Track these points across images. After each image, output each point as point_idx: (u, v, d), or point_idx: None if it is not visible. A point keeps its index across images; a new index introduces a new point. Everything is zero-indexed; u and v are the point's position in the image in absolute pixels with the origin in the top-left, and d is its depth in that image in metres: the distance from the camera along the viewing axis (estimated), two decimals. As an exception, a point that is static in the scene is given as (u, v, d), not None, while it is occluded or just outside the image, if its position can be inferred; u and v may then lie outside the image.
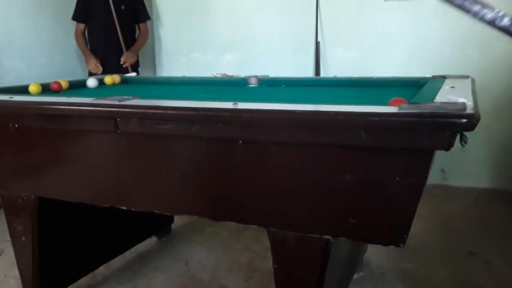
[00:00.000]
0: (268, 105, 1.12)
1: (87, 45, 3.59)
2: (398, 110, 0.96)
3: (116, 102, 1.27)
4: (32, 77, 2.41)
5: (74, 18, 3.55)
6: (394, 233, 1.09)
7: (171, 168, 1.32)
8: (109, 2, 3.45)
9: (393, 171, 1.03)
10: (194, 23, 3.94)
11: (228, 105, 1.14)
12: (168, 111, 1.21)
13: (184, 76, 2.64)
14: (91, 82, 2.10)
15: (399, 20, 3.30)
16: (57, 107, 1.37)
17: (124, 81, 2.36)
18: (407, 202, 1.04)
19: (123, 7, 3.52)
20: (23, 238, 1.72)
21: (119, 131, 1.28)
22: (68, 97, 1.45)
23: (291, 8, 3.56)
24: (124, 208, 1.44)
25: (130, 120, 1.26)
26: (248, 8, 3.76)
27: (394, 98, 1.11)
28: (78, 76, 2.33)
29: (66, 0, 3.58)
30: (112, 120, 1.27)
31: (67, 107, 1.35)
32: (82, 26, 3.57)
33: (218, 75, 3.32)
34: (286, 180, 1.15)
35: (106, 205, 1.47)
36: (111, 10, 3.46)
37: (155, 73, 4.18)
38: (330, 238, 1.15)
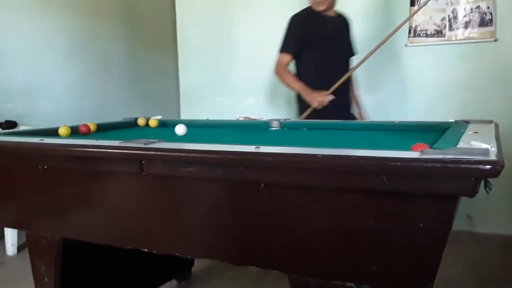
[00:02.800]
0: (290, 149, 1.13)
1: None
2: (421, 156, 0.96)
3: (142, 145, 1.31)
4: (60, 120, 2.50)
5: (286, 51, 2.88)
6: (419, 281, 1.06)
7: (193, 210, 1.33)
8: (340, 33, 2.96)
9: (417, 217, 1.01)
10: (218, 68, 4.06)
11: (251, 148, 1.16)
12: (191, 154, 1.24)
13: (207, 119, 2.69)
14: (181, 130, 1.89)
15: (420, 64, 3.33)
16: (85, 149, 1.41)
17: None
18: (431, 249, 1.02)
19: (348, 40, 3.00)
20: (46, 279, 1.73)
21: (144, 173, 1.31)
22: (96, 139, 1.49)
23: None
24: (146, 250, 1.45)
25: (155, 162, 1.29)
26: (269, 53, 3.85)
27: (416, 143, 1.12)
28: (104, 119, 2.41)
29: (94, 47, 3.72)
30: (137, 162, 1.30)
31: (94, 149, 1.39)
32: (289, 58, 2.89)
33: (241, 118, 3.37)
34: (308, 224, 1.14)
35: (129, 247, 1.48)
36: (341, 42, 2.94)
37: (179, 115, 4.27)
38: (353, 285, 1.13)
